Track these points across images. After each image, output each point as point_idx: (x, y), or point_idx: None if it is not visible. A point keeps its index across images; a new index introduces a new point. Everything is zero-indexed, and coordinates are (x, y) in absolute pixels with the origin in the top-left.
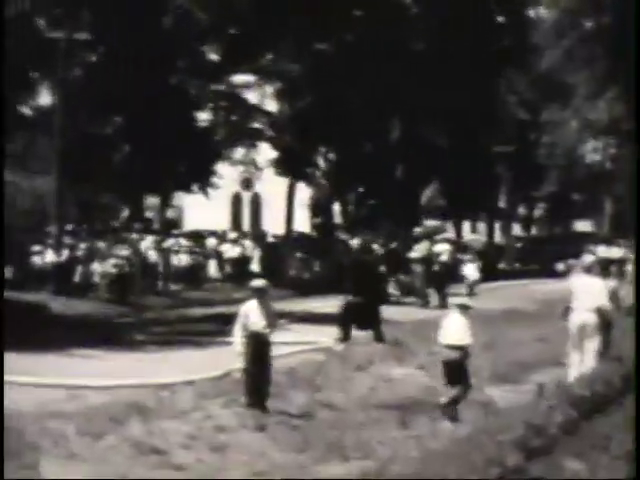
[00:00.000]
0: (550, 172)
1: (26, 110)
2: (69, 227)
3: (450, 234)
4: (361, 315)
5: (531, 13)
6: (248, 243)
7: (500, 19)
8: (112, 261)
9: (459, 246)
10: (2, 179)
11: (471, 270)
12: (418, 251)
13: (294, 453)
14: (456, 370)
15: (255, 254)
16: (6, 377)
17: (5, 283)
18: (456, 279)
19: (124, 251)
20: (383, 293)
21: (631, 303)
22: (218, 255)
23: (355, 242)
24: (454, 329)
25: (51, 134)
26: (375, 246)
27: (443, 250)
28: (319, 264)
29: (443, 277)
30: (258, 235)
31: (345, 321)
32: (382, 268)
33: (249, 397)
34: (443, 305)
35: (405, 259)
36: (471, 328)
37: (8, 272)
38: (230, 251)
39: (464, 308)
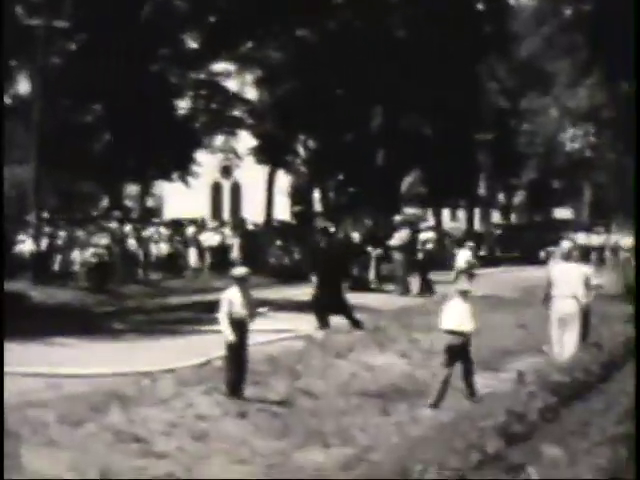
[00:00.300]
0: (530, 160)
1: (5, 99)
2: (48, 215)
3: (432, 222)
4: (330, 302)
5: (511, 1)
6: (228, 231)
7: (480, 7)
8: (91, 250)
9: (442, 234)
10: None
11: (465, 257)
12: (398, 239)
13: (275, 440)
14: (457, 355)
15: (235, 242)
16: None
17: None
18: (440, 266)
19: (104, 240)
20: (346, 279)
21: (610, 290)
22: (198, 243)
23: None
24: (456, 314)
25: (30, 122)
26: (355, 233)
27: (428, 238)
28: (298, 252)
29: (426, 265)
30: (238, 223)
31: (318, 309)
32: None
33: (230, 385)
34: (424, 293)
35: (386, 246)
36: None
37: None
38: (210, 239)
39: (465, 294)
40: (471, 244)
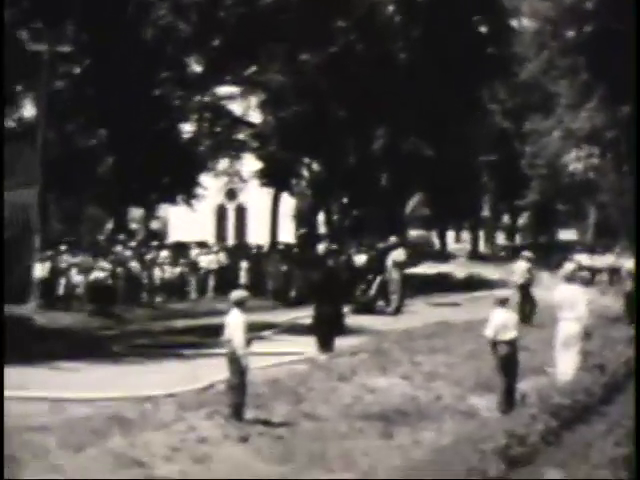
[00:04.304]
0: (533, 181)
1: (10, 123)
2: (53, 239)
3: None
4: (331, 324)
5: (513, 23)
6: (232, 254)
7: (482, 29)
8: (96, 273)
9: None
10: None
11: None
12: (395, 257)
13: (277, 464)
14: (509, 363)
15: (242, 265)
16: None
17: None
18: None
19: (108, 263)
20: (344, 300)
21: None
22: (202, 266)
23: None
24: (502, 324)
25: (35, 146)
26: (360, 256)
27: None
28: (302, 275)
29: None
30: (243, 246)
31: (319, 331)
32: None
33: (232, 408)
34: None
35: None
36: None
37: None
38: (214, 262)
39: (505, 302)
40: (529, 255)
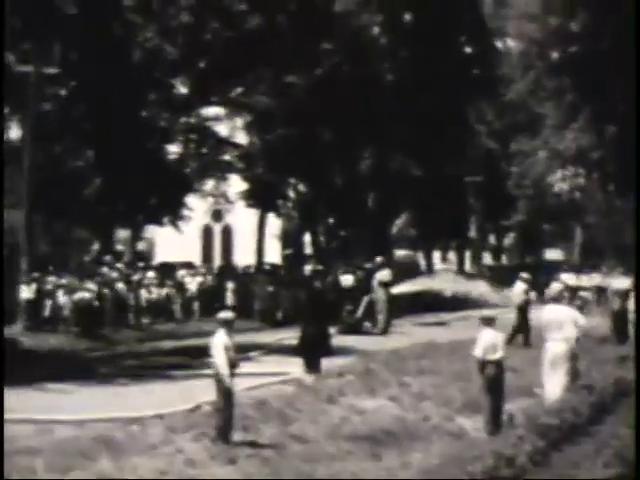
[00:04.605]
0: (519, 201)
1: None
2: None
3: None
4: (316, 344)
5: (498, 44)
6: (219, 275)
7: (468, 50)
8: (82, 294)
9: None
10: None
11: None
12: (381, 277)
13: None
14: (496, 383)
15: (228, 286)
16: None
17: None
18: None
19: (94, 284)
20: (331, 321)
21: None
22: (188, 287)
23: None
24: (491, 344)
25: (21, 168)
26: (346, 276)
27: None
28: (289, 295)
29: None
30: (229, 267)
31: (305, 352)
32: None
33: (218, 430)
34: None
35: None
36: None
37: None
38: (200, 283)
39: (491, 321)
40: (526, 276)
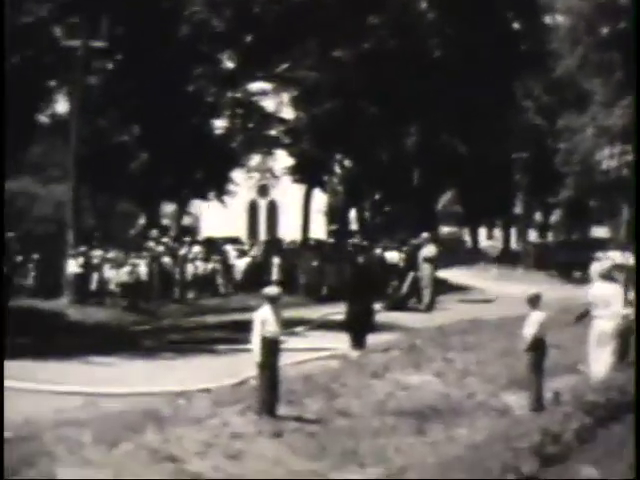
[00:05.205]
0: (566, 178)
1: (44, 118)
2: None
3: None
4: (361, 319)
5: (547, 19)
6: (265, 250)
7: (516, 26)
8: (128, 269)
9: None
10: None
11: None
12: (426, 253)
13: (310, 460)
14: (541, 361)
15: (274, 261)
16: (24, 384)
17: (26, 291)
18: None
19: (140, 259)
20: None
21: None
22: (234, 262)
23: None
24: (539, 321)
25: (68, 142)
26: (392, 253)
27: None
28: (334, 270)
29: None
30: (275, 242)
31: (351, 327)
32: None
33: (263, 404)
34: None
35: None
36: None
37: (31, 280)
38: (246, 258)
39: (536, 300)
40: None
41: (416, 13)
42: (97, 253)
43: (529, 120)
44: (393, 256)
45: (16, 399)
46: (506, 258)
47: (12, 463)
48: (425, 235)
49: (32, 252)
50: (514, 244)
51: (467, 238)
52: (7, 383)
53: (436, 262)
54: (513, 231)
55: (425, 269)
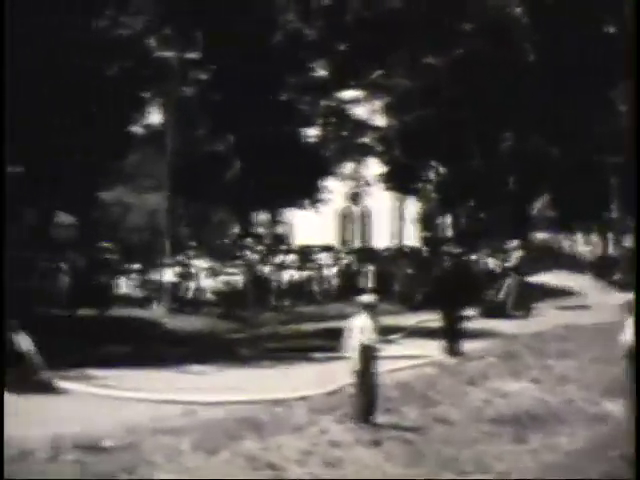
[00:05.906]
0: None
1: (137, 129)
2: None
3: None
4: (453, 326)
5: None
6: (358, 257)
7: (611, 30)
8: (224, 277)
9: None
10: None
11: None
12: (513, 260)
13: (408, 468)
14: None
15: (368, 269)
16: (123, 393)
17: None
18: None
19: (236, 267)
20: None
21: None
22: (329, 270)
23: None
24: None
25: (162, 152)
26: (489, 259)
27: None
28: (428, 278)
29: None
30: (368, 249)
31: (448, 335)
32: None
33: (360, 412)
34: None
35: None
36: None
37: (129, 289)
38: (340, 266)
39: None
40: None
41: (510, 18)
42: (193, 262)
43: (625, 124)
44: (489, 263)
45: (117, 408)
46: (603, 263)
47: (112, 471)
48: (514, 243)
49: (131, 262)
50: (611, 249)
51: (564, 244)
52: (108, 392)
53: (522, 269)
54: (610, 236)
55: (511, 276)
